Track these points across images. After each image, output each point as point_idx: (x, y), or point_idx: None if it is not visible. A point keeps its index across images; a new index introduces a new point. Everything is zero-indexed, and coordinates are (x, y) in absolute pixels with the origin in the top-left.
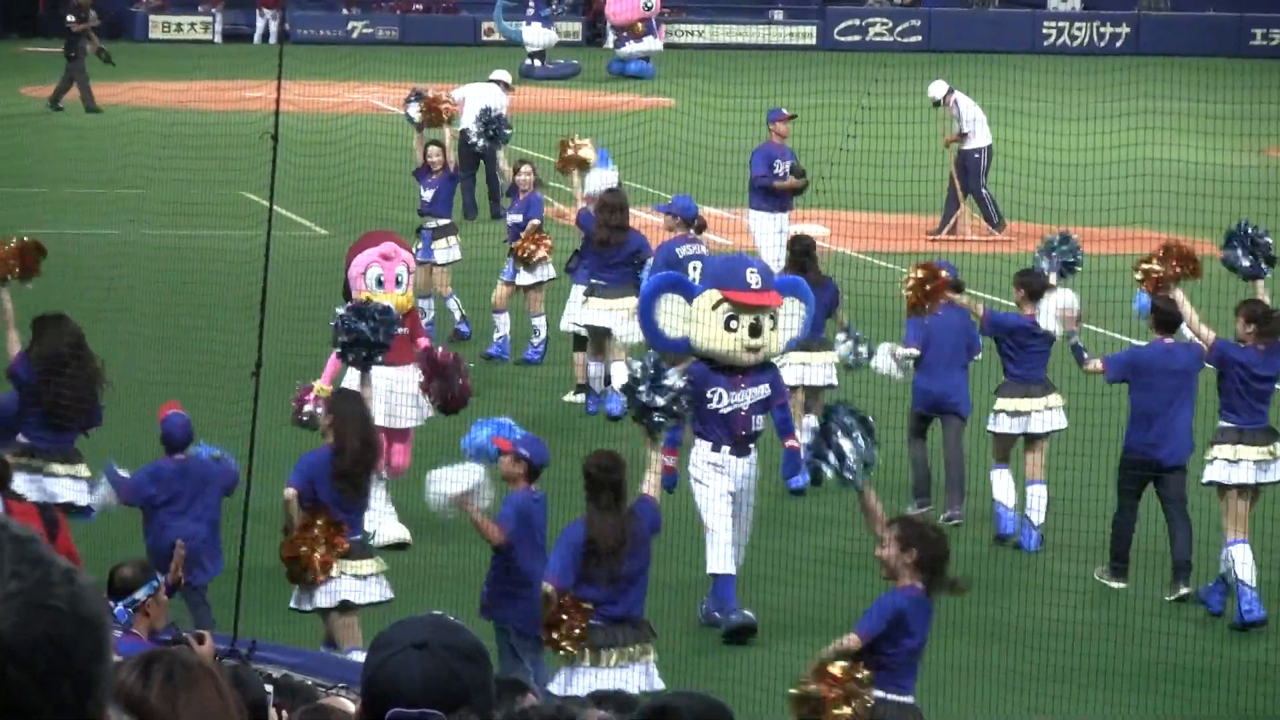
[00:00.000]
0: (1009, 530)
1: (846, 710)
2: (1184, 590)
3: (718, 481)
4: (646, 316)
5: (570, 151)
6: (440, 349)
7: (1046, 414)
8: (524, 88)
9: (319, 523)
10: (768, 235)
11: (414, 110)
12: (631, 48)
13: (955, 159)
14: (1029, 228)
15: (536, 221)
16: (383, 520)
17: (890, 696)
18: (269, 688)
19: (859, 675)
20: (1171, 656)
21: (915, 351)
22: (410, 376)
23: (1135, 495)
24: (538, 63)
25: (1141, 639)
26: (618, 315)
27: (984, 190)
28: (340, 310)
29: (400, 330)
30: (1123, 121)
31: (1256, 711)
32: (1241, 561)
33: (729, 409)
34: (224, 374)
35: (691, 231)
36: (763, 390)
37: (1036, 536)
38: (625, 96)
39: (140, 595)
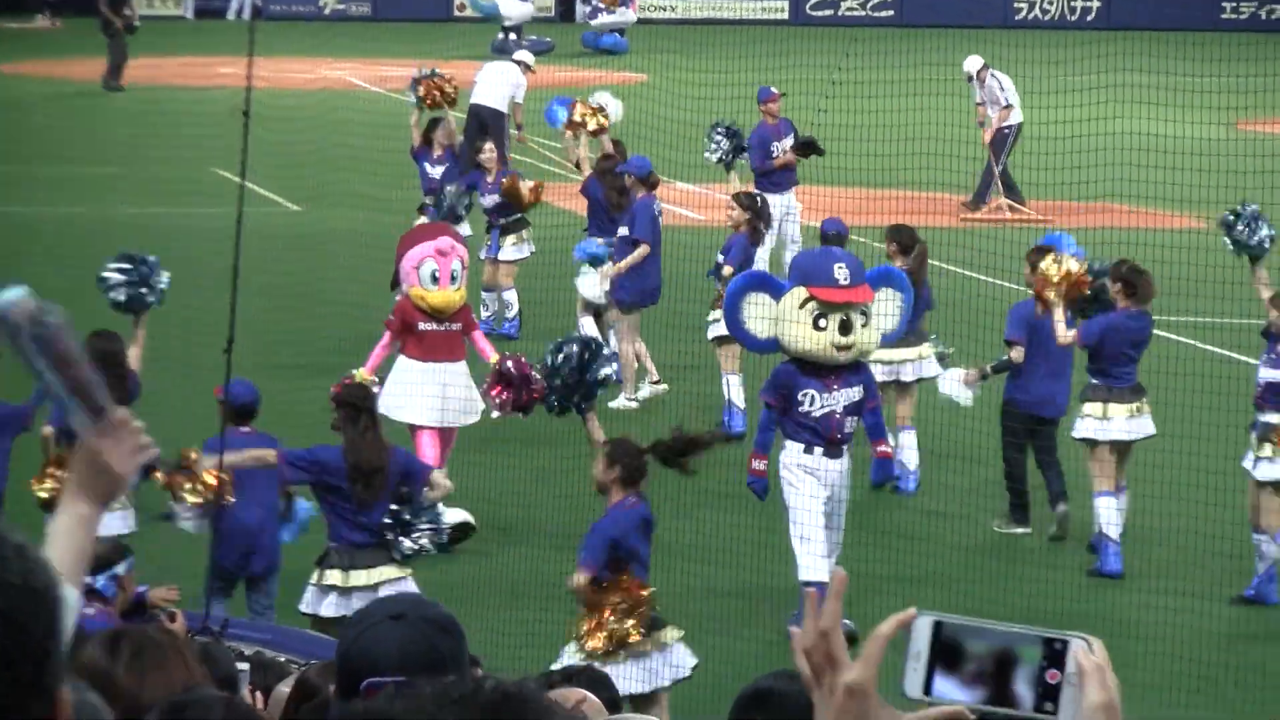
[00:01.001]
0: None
1: (630, 622)
2: (1063, 507)
3: (810, 484)
4: (733, 317)
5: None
6: (512, 361)
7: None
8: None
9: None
10: (773, 217)
11: (415, 90)
12: (604, 19)
13: (990, 137)
14: (1003, 201)
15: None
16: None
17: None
18: (244, 665)
19: (622, 591)
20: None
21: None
22: (463, 371)
23: (1021, 448)
24: (513, 37)
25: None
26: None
27: (1002, 167)
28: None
29: (454, 326)
30: (1094, 95)
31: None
32: (1106, 514)
33: (822, 411)
34: (199, 352)
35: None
36: (856, 392)
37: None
38: (599, 72)
39: (120, 570)
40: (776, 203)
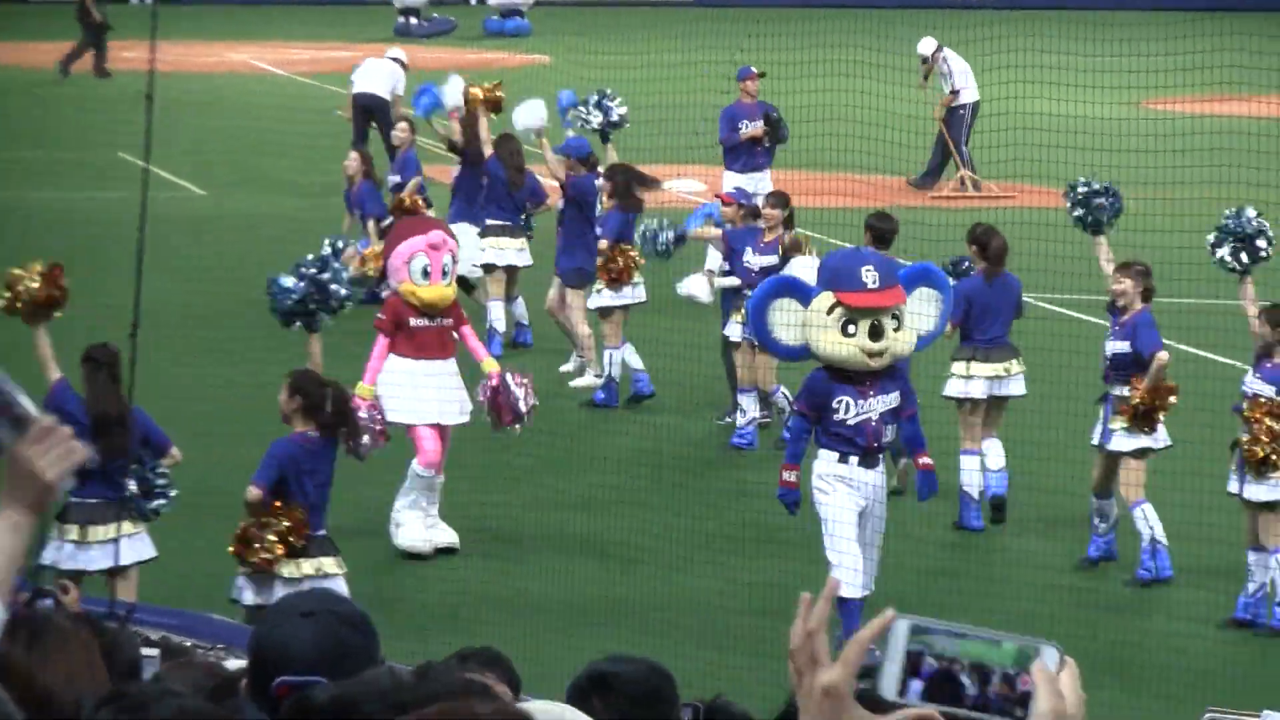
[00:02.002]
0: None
1: (272, 537)
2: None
3: (844, 495)
4: (759, 323)
5: (482, 93)
6: (491, 382)
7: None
8: (405, 47)
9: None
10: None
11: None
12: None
13: (943, 115)
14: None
15: (418, 180)
16: (411, 519)
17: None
18: (151, 651)
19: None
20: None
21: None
22: (454, 370)
23: None
24: (414, 20)
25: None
26: (525, 255)
27: (964, 148)
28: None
29: (445, 322)
30: (999, 75)
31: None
32: (969, 471)
33: (857, 419)
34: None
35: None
36: (893, 399)
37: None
38: (501, 54)
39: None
40: (750, 185)
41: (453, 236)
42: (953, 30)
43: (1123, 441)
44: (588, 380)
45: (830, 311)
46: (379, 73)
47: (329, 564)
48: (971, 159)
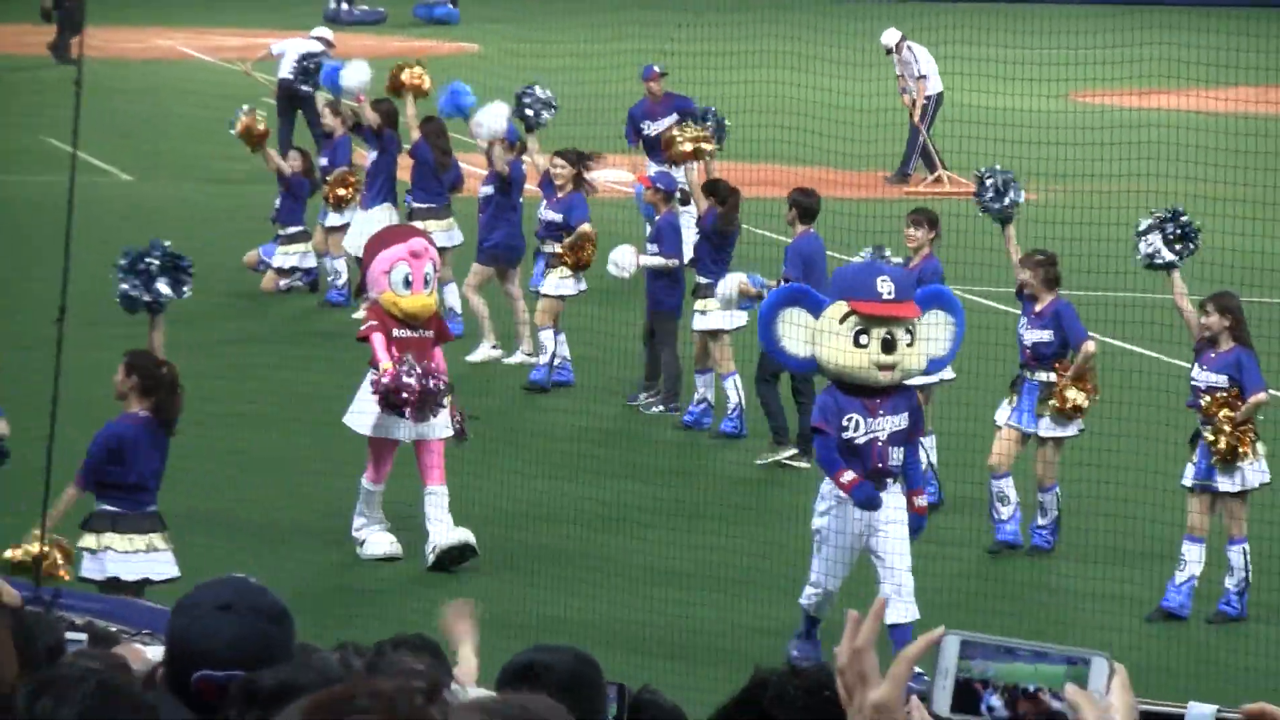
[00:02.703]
0: None
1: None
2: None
3: (841, 518)
4: (768, 333)
5: (406, 78)
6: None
7: None
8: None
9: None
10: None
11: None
12: None
13: (913, 106)
14: (838, 174)
15: (345, 168)
16: (371, 532)
17: (122, 511)
18: (78, 635)
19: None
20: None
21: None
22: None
23: (774, 382)
24: (344, 6)
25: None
26: (454, 235)
27: (929, 138)
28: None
29: (427, 333)
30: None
31: None
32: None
33: (865, 438)
34: (32, 321)
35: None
36: (902, 420)
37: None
38: (430, 42)
39: None
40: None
41: (434, 244)
42: (879, 22)
43: (1048, 428)
44: (486, 352)
45: (843, 321)
46: (303, 53)
47: (158, 539)
48: (937, 150)
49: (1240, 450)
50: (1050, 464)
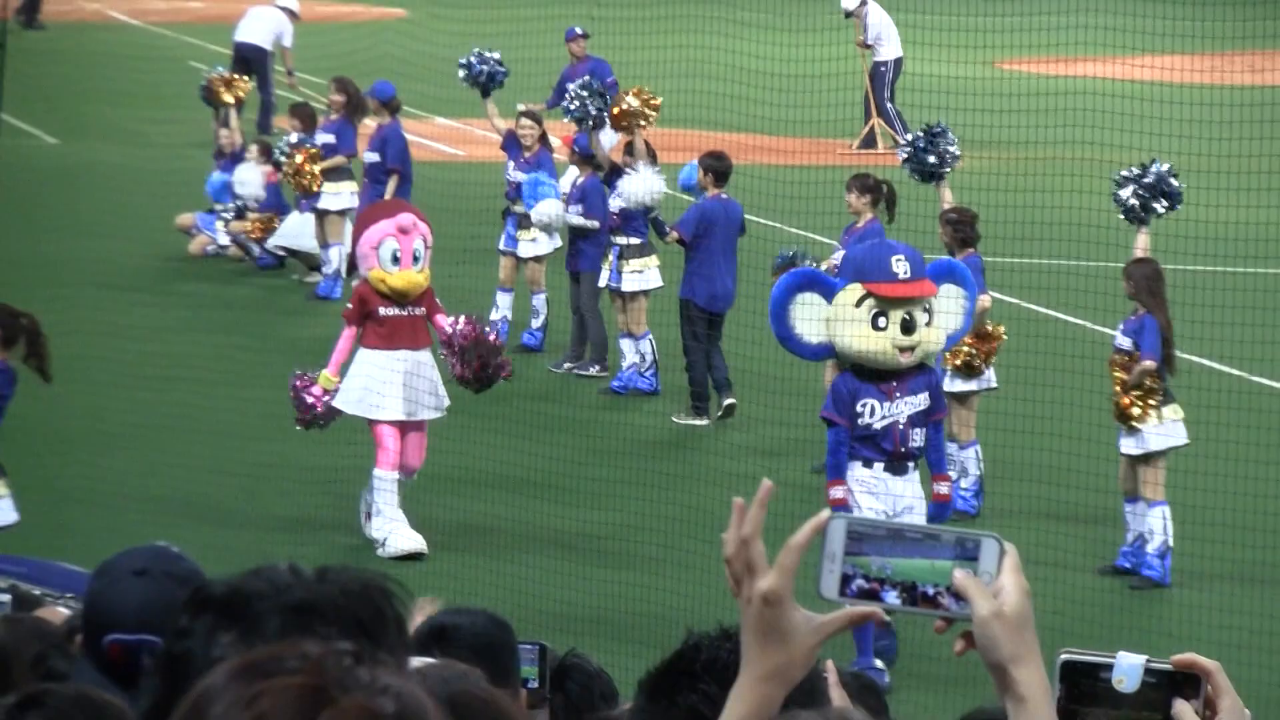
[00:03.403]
0: None
1: None
2: (730, 399)
3: (867, 504)
4: (781, 322)
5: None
6: (461, 322)
7: None
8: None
9: None
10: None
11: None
12: None
13: (869, 71)
14: (761, 140)
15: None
16: (394, 528)
17: None
18: (6, 597)
19: None
20: None
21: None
22: (428, 360)
23: (701, 344)
24: None
25: None
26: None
27: (889, 105)
28: None
29: (417, 311)
30: (850, 33)
31: None
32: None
33: (884, 422)
34: None
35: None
36: (921, 400)
37: None
38: (355, 7)
39: None
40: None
41: (424, 220)
42: None
43: (949, 384)
44: None
45: (859, 304)
46: (262, 21)
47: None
48: (899, 115)
49: (1134, 413)
50: (964, 423)
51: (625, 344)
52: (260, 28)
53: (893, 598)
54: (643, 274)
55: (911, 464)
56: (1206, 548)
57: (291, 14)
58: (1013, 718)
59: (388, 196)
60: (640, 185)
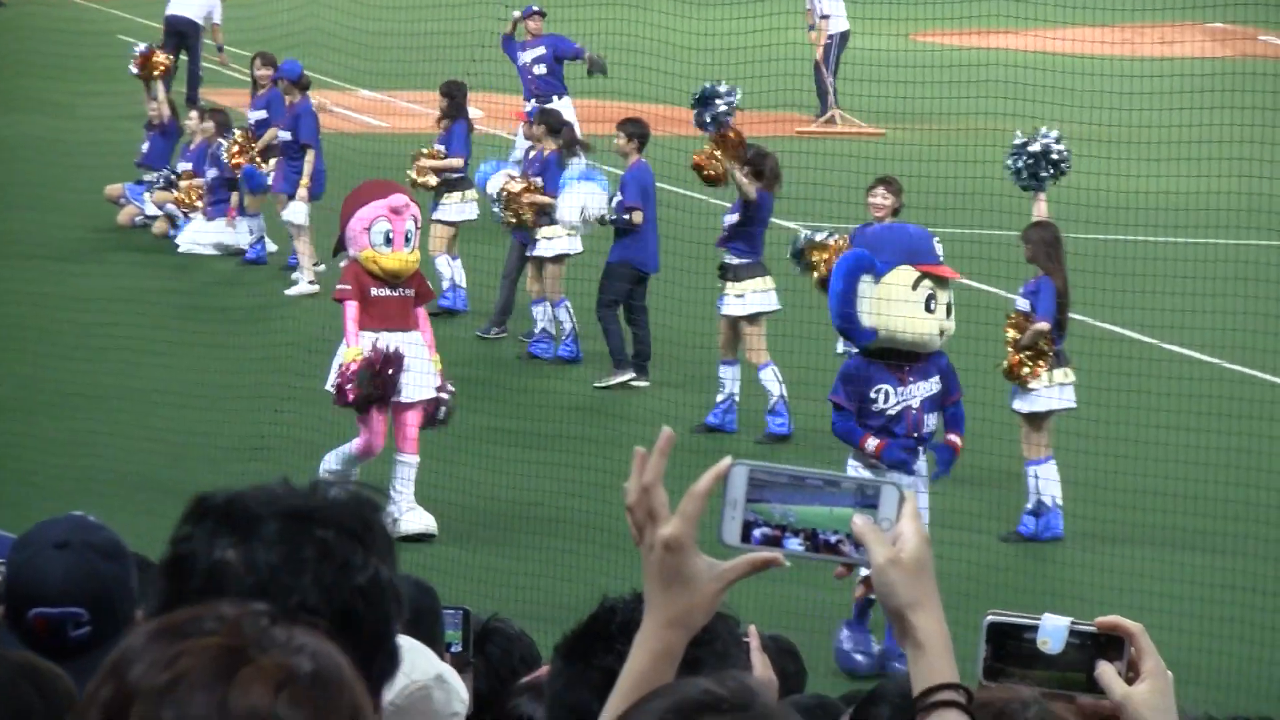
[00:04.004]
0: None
1: None
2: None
3: None
4: (848, 307)
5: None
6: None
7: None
8: None
9: None
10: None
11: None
12: None
13: (821, 44)
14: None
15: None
16: (405, 509)
17: None
18: None
19: None
20: None
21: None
22: (418, 340)
23: (618, 306)
24: None
25: None
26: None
27: (829, 79)
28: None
29: (408, 292)
30: (769, 5)
31: None
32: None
33: (898, 407)
34: None
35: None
36: (933, 384)
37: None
38: None
39: None
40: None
41: (414, 200)
42: None
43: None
44: (303, 288)
45: (915, 286)
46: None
47: None
48: (835, 92)
49: (1023, 372)
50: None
51: (535, 310)
52: (190, 2)
53: (795, 544)
54: (552, 241)
55: (922, 449)
56: (1111, 512)
57: None
58: (912, 663)
59: (306, 172)
60: (576, 207)
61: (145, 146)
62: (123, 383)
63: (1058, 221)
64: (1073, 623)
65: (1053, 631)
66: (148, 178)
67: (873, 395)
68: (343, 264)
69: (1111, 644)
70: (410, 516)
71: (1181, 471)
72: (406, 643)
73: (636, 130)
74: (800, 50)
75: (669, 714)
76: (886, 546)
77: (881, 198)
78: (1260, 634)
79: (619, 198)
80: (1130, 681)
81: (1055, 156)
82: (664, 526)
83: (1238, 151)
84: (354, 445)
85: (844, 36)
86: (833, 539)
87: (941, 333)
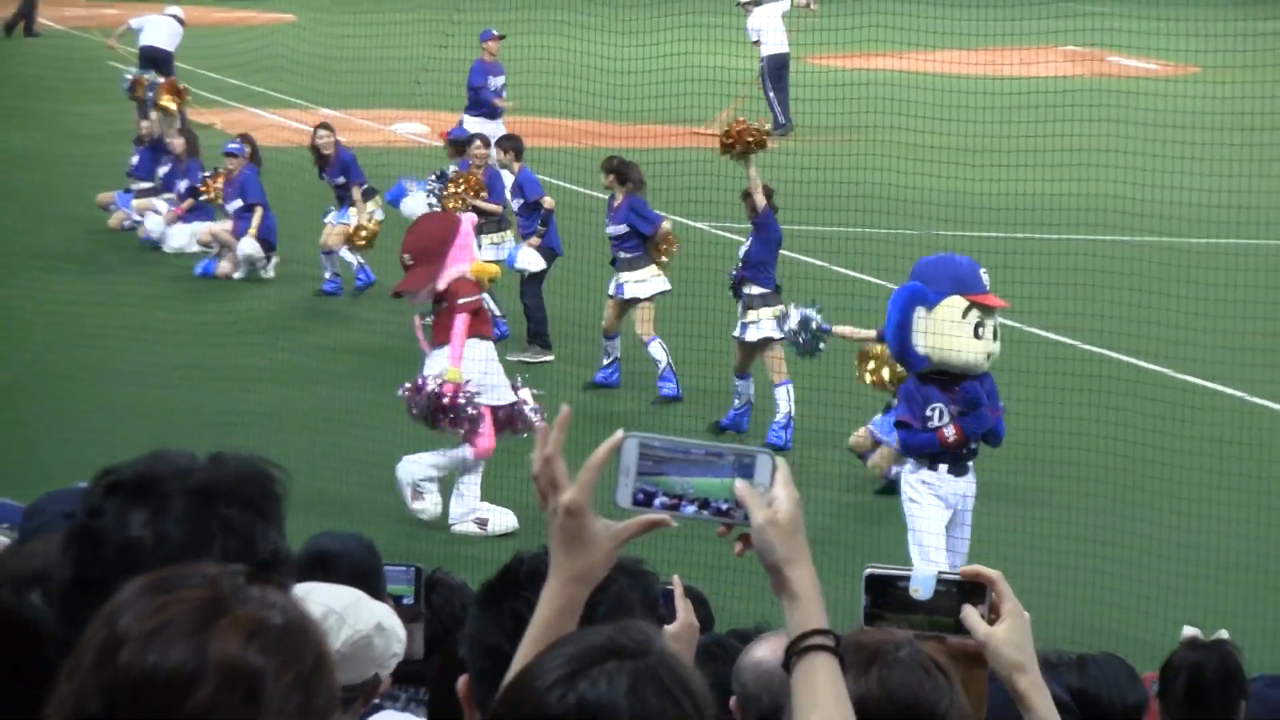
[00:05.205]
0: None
1: None
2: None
3: (932, 502)
4: (907, 336)
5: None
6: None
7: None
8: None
9: None
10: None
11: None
12: None
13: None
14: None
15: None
16: (484, 510)
17: None
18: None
19: None
20: None
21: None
22: (491, 346)
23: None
24: None
25: None
26: None
27: (770, 94)
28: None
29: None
30: (673, 34)
31: None
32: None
33: (939, 425)
34: None
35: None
36: (976, 402)
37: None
38: (245, 13)
39: None
40: (491, 130)
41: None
42: None
43: (754, 332)
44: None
45: (965, 315)
46: (162, 26)
47: None
48: (782, 107)
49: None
50: (774, 368)
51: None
52: (162, 31)
53: (689, 510)
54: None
55: (970, 465)
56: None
57: (179, 20)
58: (788, 612)
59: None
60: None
61: (135, 159)
62: (114, 365)
63: (929, 220)
64: (940, 572)
65: (923, 580)
66: (134, 187)
67: (929, 413)
68: (441, 285)
69: (975, 590)
70: (495, 516)
71: (1030, 439)
72: (350, 595)
73: (513, 144)
74: (710, 73)
75: (575, 659)
76: (764, 509)
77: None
78: (1100, 579)
79: (521, 200)
80: (992, 623)
81: (814, 325)
82: (565, 494)
83: (1089, 159)
84: (466, 451)
85: (781, 57)
86: (723, 506)
87: (988, 356)
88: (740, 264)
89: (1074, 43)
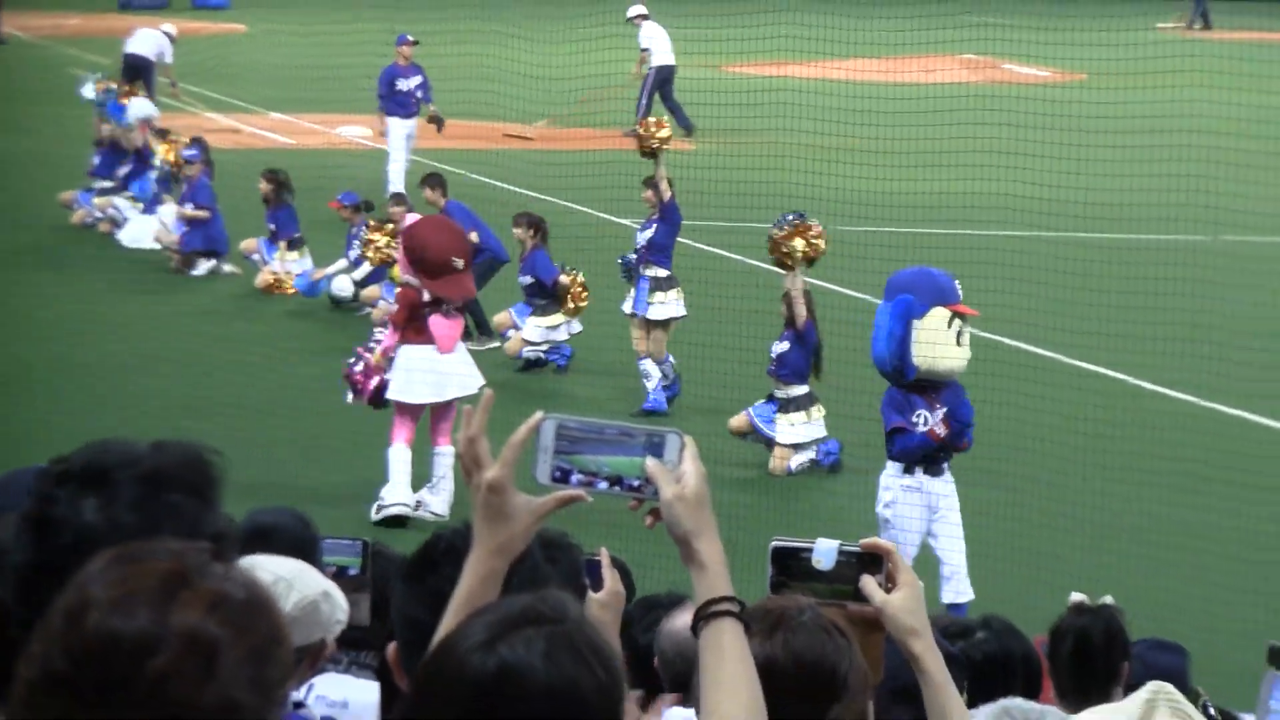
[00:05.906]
0: None
1: None
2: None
3: (911, 506)
4: (903, 347)
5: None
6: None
7: None
8: (125, 18)
9: None
10: (398, 139)
11: (89, 90)
12: None
13: (645, 74)
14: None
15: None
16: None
17: None
18: None
19: None
20: None
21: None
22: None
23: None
24: None
25: None
26: None
27: (643, 101)
28: None
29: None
30: (603, 43)
31: None
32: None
33: (925, 429)
34: None
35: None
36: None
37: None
38: (203, 24)
39: None
40: (404, 126)
41: None
42: (550, 5)
43: (659, 311)
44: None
45: (950, 325)
46: (147, 37)
47: None
48: (646, 111)
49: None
50: (659, 343)
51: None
52: (146, 42)
53: (602, 486)
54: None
55: (947, 465)
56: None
57: (170, 36)
58: (695, 581)
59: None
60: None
61: (96, 160)
62: (84, 357)
63: (837, 218)
64: (841, 544)
65: (825, 552)
66: (95, 185)
67: (914, 420)
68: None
69: (873, 560)
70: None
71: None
72: (296, 565)
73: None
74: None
75: (496, 626)
76: (673, 484)
77: (650, 197)
78: (1024, 556)
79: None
80: (888, 591)
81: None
82: (487, 471)
83: (985, 159)
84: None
85: (666, 69)
86: (635, 483)
87: (965, 361)
88: (644, 248)
89: (971, 51)
